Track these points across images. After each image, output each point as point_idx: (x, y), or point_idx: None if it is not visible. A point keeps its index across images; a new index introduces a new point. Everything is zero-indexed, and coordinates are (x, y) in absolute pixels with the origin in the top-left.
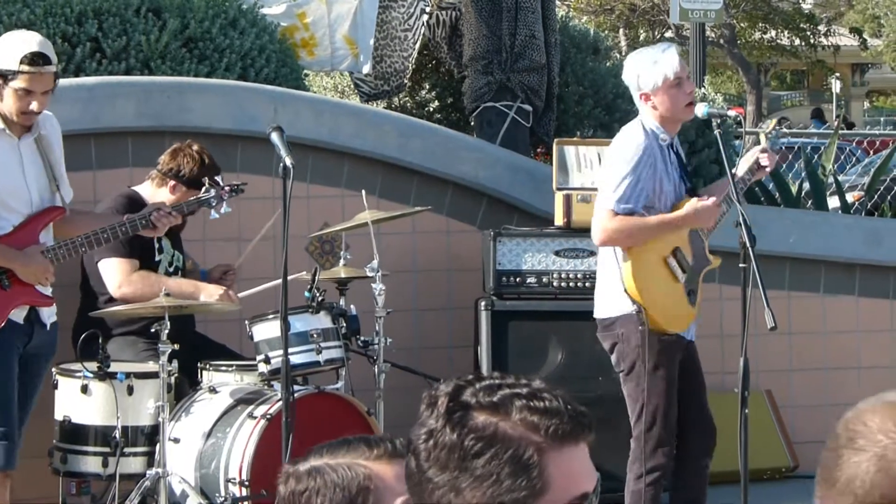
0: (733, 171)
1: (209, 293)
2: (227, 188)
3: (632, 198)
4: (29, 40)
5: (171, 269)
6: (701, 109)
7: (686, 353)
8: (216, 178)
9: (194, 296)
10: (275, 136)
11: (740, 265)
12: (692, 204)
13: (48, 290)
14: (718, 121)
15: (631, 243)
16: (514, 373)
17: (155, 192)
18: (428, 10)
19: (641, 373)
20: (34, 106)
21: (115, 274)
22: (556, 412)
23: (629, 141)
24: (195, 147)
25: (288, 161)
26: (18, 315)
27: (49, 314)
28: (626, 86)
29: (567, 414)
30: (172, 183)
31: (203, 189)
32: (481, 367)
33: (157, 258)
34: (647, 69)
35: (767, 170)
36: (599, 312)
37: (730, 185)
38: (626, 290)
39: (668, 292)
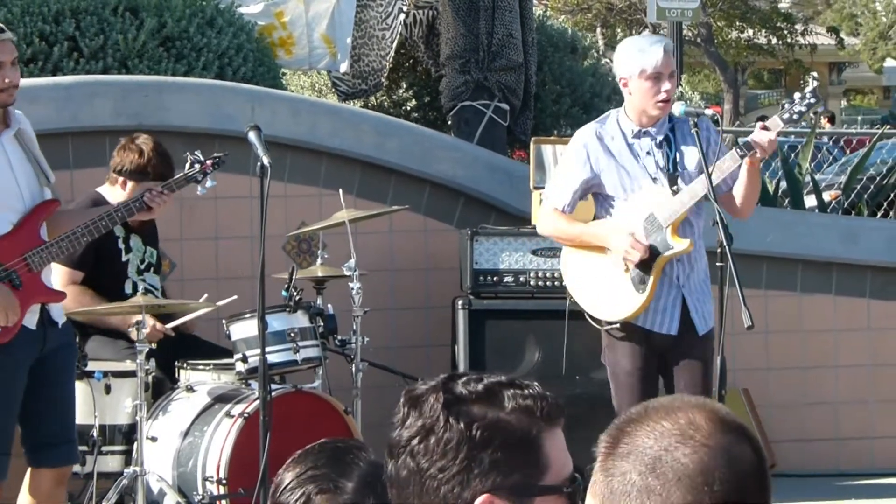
0: (711, 168)
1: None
2: (208, 162)
3: (558, 195)
4: None
5: (143, 266)
6: (677, 108)
7: (667, 347)
8: (196, 153)
9: (122, 328)
10: (252, 135)
11: (717, 264)
12: (621, 238)
13: (53, 284)
14: (695, 119)
15: (559, 239)
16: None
17: (112, 191)
18: (405, 9)
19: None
20: (8, 78)
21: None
22: (542, 396)
23: (574, 138)
24: (139, 139)
25: (265, 160)
26: (31, 320)
27: (59, 313)
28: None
29: (549, 397)
30: (121, 179)
31: (187, 165)
32: (458, 365)
33: (124, 258)
34: (631, 55)
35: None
36: None
37: (707, 183)
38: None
39: (605, 278)
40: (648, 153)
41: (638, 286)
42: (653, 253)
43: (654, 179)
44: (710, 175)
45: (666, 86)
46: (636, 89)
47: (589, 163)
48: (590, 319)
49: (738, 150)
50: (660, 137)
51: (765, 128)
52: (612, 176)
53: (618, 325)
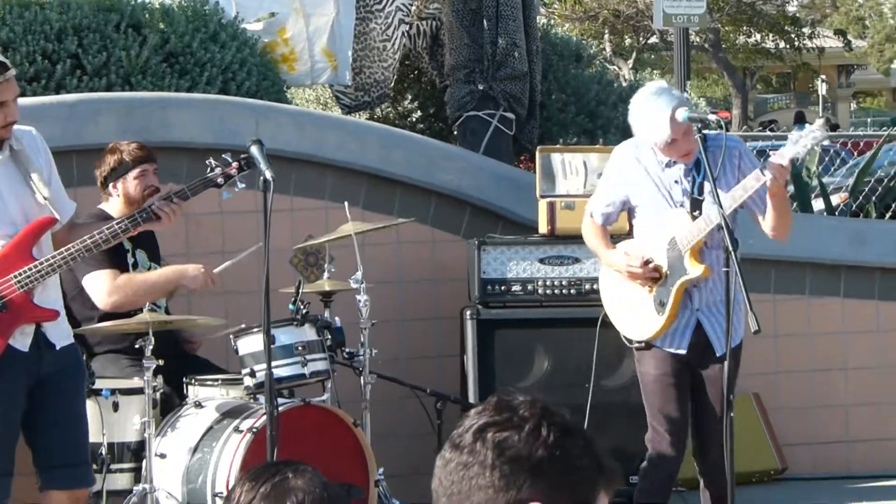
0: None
1: (191, 272)
2: (234, 164)
3: (593, 203)
4: None
5: None
6: (681, 114)
7: (688, 368)
8: (223, 155)
9: (179, 280)
10: (254, 150)
11: (723, 269)
12: (618, 258)
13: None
14: (699, 125)
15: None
16: (501, 381)
17: (110, 206)
18: (408, 20)
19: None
20: (10, 117)
21: (101, 285)
22: (612, 464)
23: (613, 153)
24: (111, 145)
25: (268, 174)
26: (23, 342)
27: (59, 335)
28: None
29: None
30: (110, 185)
31: (209, 168)
32: (468, 376)
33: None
34: (645, 127)
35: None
36: None
37: (713, 188)
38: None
39: (633, 300)
40: (677, 181)
41: (659, 308)
42: (675, 276)
43: (681, 205)
44: (716, 188)
45: (683, 146)
46: (666, 148)
47: (622, 180)
48: (622, 336)
49: (750, 181)
50: (690, 164)
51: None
52: (643, 198)
53: (642, 344)
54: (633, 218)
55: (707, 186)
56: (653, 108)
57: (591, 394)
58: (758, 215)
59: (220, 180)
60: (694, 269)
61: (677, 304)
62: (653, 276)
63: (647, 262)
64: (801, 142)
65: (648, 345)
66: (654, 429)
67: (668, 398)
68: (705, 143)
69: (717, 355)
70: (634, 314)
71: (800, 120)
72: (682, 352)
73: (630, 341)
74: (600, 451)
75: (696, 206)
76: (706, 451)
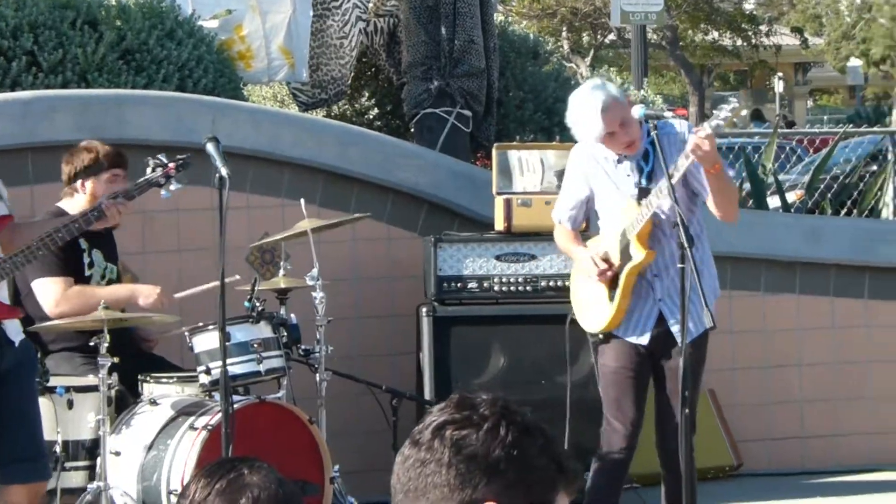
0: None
1: (145, 294)
2: (171, 164)
3: (557, 209)
4: None
5: (105, 282)
6: (637, 111)
7: (649, 361)
8: (159, 156)
9: (130, 300)
10: (210, 147)
11: (679, 266)
12: (582, 254)
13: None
14: (655, 122)
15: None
16: (457, 378)
17: (71, 202)
18: (365, 17)
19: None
20: None
21: (50, 293)
22: (573, 466)
23: (570, 154)
24: (83, 143)
25: (223, 171)
26: None
27: (15, 331)
28: (565, 89)
29: (577, 470)
30: (79, 182)
31: (149, 169)
32: (424, 373)
33: (87, 273)
34: (582, 128)
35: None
36: None
37: (668, 185)
38: None
39: (592, 293)
40: (629, 175)
41: (611, 298)
42: (623, 263)
43: (632, 196)
44: (670, 177)
45: (622, 137)
46: (608, 145)
47: (581, 180)
48: (587, 333)
49: (681, 159)
50: (638, 156)
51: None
52: (601, 197)
53: (601, 336)
54: (598, 219)
55: (655, 175)
56: (583, 107)
57: (546, 390)
58: (706, 199)
59: (161, 180)
60: (638, 254)
61: (628, 292)
62: (611, 275)
63: (606, 263)
64: (721, 114)
65: (609, 338)
66: (609, 422)
67: (626, 391)
68: (649, 134)
69: (679, 345)
70: (592, 307)
71: (757, 117)
72: (644, 342)
73: (592, 335)
74: (561, 452)
75: (643, 194)
76: (668, 442)
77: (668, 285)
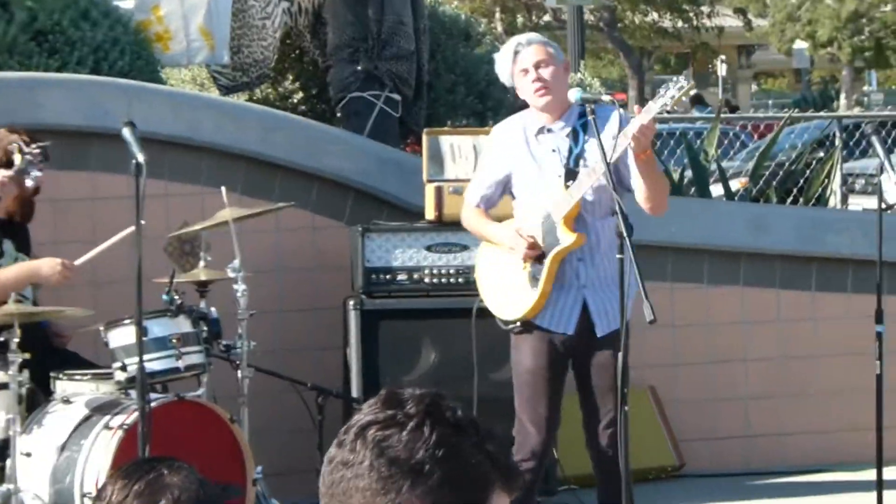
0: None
1: (48, 267)
2: (30, 154)
3: (471, 190)
4: None
5: None
6: (573, 95)
7: (570, 347)
8: (20, 142)
9: (32, 278)
10: (126, 132)
11: (617, 256)
12: (506, 233)
13: None
14: (592, 106)
15: (472, 233)
16: (386, 374)
17: None
18: None
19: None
20: None
21: None
22: (513, 462)
23: (491, 133)
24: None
25: (140, 157)
26: None
27: None
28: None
29: (518, 466)
30: None
31: (17, 157)
32: (351, 369)
33: None
34: (498, 67)
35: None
36: None
37: (607, 171)
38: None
39: (508, 279)
40: (554, 150)
41: (533, 283)
42: (549, 247)
43: (559, 177)
44: (608, 164)
45: (536, 76)
46: (519, 90)
47: (502, 160)
48: (497, 320)
49: (620, 139)
50: (564, 133)
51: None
52: (520, 175)
53: (519, 325)
54: (515, 196)
55: (584, 157)
56: (507, 45)
57: (478, 386)
58: (634, 190)
59: (30, 169)
60: (566, 238)
61: (552, 278)
62: (535, 255)
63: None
64: (668, 93)
65: (528, 327)
66: (522, 422)
67: (541, 393)
68: (582, 115)
69: (598, 337)
70: (509, 293)
71: (698, 101)
72: (570, 332)
73: (506, 323)
74: (497, 449)
75: (571, 176)
76: (598, 443)
77: (592, 272)
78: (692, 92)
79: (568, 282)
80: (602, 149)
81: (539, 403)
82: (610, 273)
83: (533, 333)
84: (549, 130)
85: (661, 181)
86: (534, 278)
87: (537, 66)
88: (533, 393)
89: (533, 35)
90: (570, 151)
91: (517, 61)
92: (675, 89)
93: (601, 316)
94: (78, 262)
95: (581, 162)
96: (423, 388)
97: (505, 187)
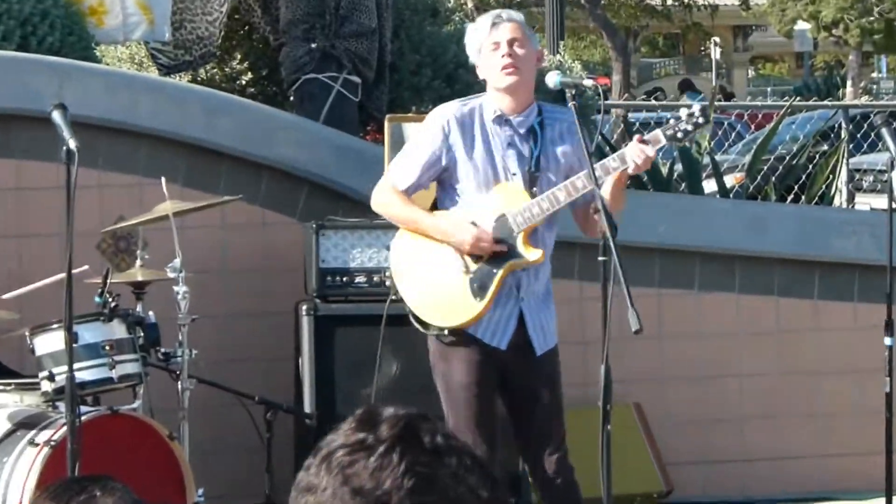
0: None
1: None
2: None
3: (401, 173)
4: None
5: None
6: (552, 79)
7: (504, 363)
8: None
9: None
10: (56, 115)
11: (599, 258)
12: (465, 231)
13: None
14: (573, 91)
15: (392, 220)
16: (342, 387)
17: None
18: None
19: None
20: None
21: None
22: (497, 484)
23: (432, 114)
24: None
25: (71, 144)
26: None
27: None
28: (468, 54)
29: (502, 488)
30: None
31: None
32: (303, 381)
33: None
34: (469, 36)
35: (638, 161)
36: None
37: (588, 164)
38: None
39: (441, 281)
40: (510, 145)
41: (477, 292)
42: (502, 254)
43: (514, 175)
44: (593, 170)
45: (504, 50)
46: (483, 68)
47: (444, 145)
48: (414, 321)
49: (613, 161)
50: (522, 129)
51: (643, 142)
52: (466, 165)
53: (447, 333)
54: (450, 187)
55: (543, 161)
56: (481, 18)
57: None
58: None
59: None
60: (530, 254)
61: (498, 290)
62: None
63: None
64: (681, 126)
65: (461, 337)
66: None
67: (479, 410)
68: (541, 114)
69: (537, 355)
70: (442, 296)
71: (688, 87)
72: (503, 347)
73: (427, 327)
74: (482, 476)
75: (532, 182)
76: (543, 471)
77: (533, 285)
78: (707, 130)
79: (507, 292)
80: (587, 151)
81: (479, 422)
82: (547, 287)
83: (468, 346)
84: (507, 121)
85: (622, 202)
86: (480, 287)
87: (511, 43)
88: (470, 410)
89: (516, 13)
90: (531, 153)
91: (492, 33)
92: (690, 124)
93: (537, 331)
94: (5, 296)
95: (540, 167)
96: (403, 409)
97: (438, 174)
